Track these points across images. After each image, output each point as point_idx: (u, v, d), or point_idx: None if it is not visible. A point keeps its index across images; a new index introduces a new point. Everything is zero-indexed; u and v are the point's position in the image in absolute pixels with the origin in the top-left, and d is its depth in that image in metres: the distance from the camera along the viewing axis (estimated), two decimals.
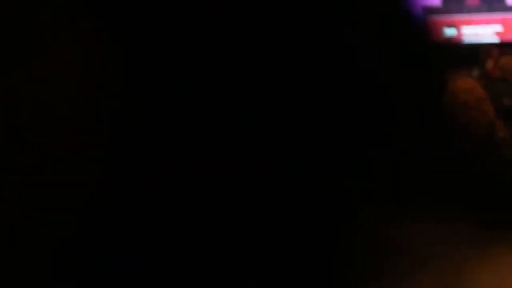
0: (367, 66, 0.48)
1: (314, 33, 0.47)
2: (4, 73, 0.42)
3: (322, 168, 0.45)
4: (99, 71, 0.44)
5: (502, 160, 3.54)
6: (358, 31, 0.48)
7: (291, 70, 0.46)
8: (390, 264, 0.45)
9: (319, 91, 0.46)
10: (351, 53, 0.47)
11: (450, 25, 15.58)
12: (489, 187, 0.51)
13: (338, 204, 0.45)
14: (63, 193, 0.43)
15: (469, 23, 15.56)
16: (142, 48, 0.44)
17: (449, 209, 0.48)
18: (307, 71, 0.46)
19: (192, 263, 0.44)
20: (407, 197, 0.47)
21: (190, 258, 0.44)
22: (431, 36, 0.54)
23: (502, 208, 0.48)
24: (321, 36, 0.47)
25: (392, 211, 0.47)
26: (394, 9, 0.52)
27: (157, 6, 0.45)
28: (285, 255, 0.44)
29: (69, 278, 0.43)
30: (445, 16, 15.62)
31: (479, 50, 11.96)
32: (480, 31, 15.43)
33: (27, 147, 0.43)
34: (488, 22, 15.44)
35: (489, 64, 10.80)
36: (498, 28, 15.34)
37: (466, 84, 5.16)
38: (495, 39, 14.99)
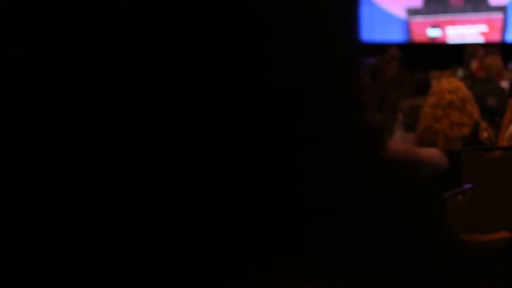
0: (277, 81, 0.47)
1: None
2: None
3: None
4: None
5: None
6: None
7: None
8: None
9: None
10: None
11: (435, 25, 15.66)
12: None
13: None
14: None
15: (453, 23, 15.65)
16: None
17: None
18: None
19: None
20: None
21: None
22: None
23: None
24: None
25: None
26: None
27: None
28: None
29: None
30: (429, 16, 15.70)
31: (464, 51, 12.02)
32: (464, 31, 15.52)
33: None
34: (472, 22, 15.53)
35: (474, 64, 10.85)
36: (483, 28, 15.43)
37: (451, 85, 5.18)
38: (480, 39, 15.08)
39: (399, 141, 5.43)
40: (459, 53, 12.19)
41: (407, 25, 15.84)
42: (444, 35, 15.63)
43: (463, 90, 5.11)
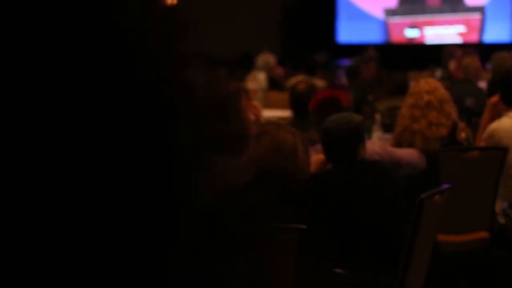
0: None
1: None
2: None
3: None
4: None
5: None
6: None
7: None
8: None
9: None
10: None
11: (412, 26, 15.71)
12: None
13: None
14: None
15: (431, 24, 15.71)
16: None
17: None
18: None
19: None
20: None
21: None
22: None
23: None
24: None
25: None
26: None
27: None
28: None
29: None
30: (407, 17, 15.75)
31: (441, 51, 12.06)
32: (442, 32, 15.58)
33: None
34: (450, 23, 15.59)
35: (452, 65, 10.88)
36: (461, 28, 15.50)
37: (429, 85, 5.18)
38: (458, 40, 15.14)
39: (378, 141, 5.43)
40: (437, 53, 12.24)
41: (385, 26, 15.89)
42: (422, 36, 15.68)
43: (441, 91, 5.11)
